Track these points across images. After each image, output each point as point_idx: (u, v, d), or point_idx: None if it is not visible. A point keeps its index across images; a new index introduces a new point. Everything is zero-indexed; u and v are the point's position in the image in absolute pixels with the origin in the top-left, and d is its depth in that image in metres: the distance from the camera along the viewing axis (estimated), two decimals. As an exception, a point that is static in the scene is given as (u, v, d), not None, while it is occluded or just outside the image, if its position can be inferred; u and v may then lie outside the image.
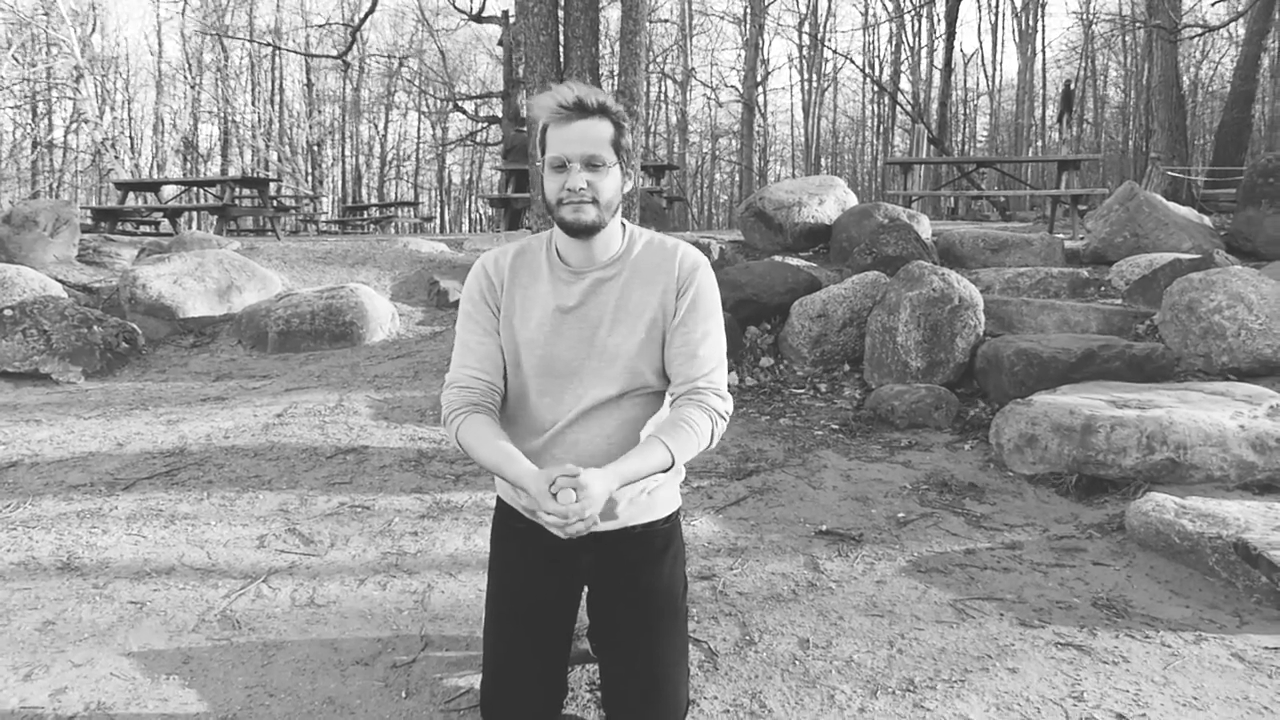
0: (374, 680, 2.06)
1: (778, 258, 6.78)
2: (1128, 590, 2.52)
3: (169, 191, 16.18)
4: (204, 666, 2.11)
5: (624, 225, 1.63)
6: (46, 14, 23.19)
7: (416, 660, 2.14)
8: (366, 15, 17.69)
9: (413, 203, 25.53)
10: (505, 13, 18.21)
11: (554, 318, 1.58)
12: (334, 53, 24.52)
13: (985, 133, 34.62)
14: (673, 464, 1.46)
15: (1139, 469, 3.27)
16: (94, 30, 27.94)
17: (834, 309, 5.09)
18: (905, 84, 31.00)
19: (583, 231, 1.51)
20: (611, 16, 20.67)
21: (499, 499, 1.75)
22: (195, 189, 14.55)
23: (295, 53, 27.87)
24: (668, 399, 1.64)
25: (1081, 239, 7.90)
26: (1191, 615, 2.36)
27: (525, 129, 12.28)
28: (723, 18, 32.84)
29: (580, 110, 1.47)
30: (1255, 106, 13.69)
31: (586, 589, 1.74)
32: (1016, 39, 30.66)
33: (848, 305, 5.09)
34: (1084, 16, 29.84)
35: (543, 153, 1.52)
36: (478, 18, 19.93)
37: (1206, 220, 7.73)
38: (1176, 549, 2.69)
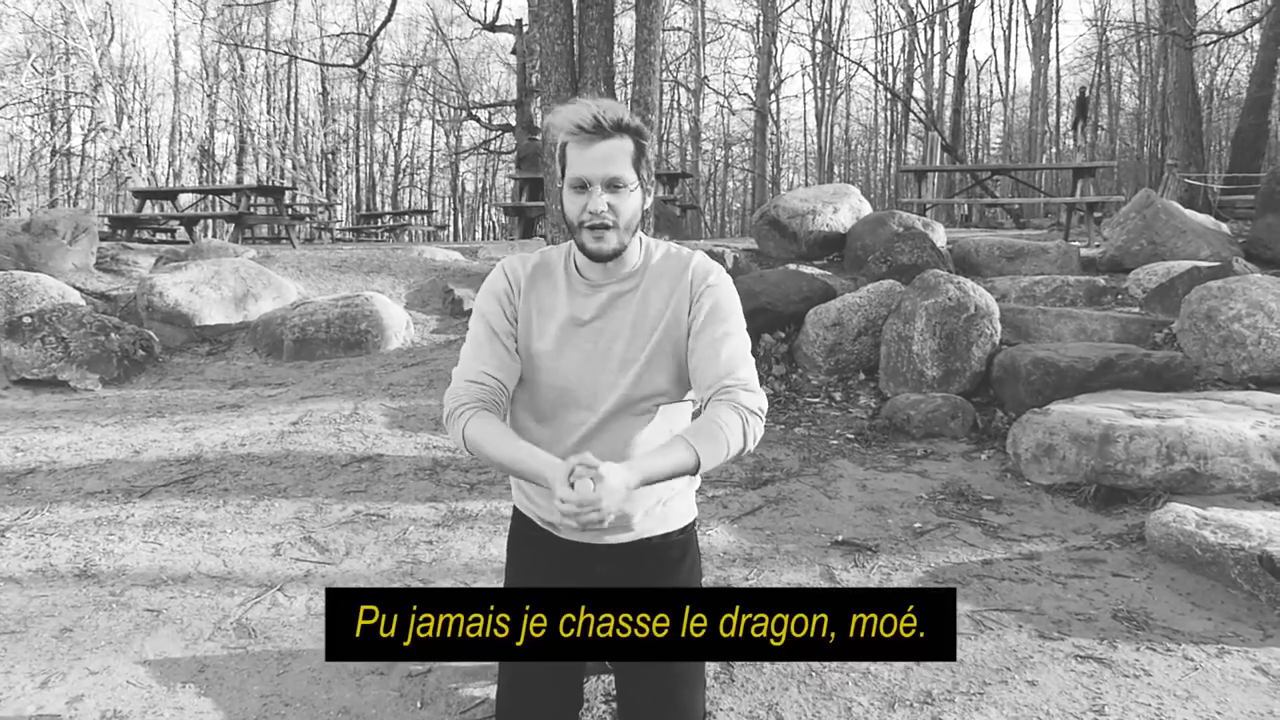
0: (389, 690, 2.06)
1: (792, 266, 6.77)
2: (1148, 602, 2.49)
3: (185, 200, 16.33)
4: (220, 675, 2.12)
5: (640, 240, 1.61)
6: (65, 24, 23.52)
7: (432, 670, 2.14)
8: (383, 25, 17.74)
9: (426, 211, 25.67)
10: (519, 21, 18.32)
11: (570, 331, 1.56)
12: (350, 62, 24.69)
13: (999, 140, 34.50)
14: (698, 464, 1.37)
15: (1158, 479, 3.23)
16: (112, 40, 28.32)
17: (849, 317, 5.07)
18: (918, 91, 30.95)
19: (604, 259, 1.50)
20: (625, 25, 20.75)
21: (515, 508, 1.75)
22: (211, 197, 14.69)
23: (311, 62, 28.07)
24: (689, 411, 1.63)
25: (1098, 247, 7.84)
26: (1214, 628, 2.32)
27: (539, 137, 12.32)
28: (735, 26, 32.93)
29: (600, 131, 1.45)
30: (1272, 113, 13.55)
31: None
32: (1030, 45, 30.57)
33: (863, 314, 5.07)
34: (1098, 23, 29.72)
35: (562, 171, 1.50)
36: (491, 26, 20.05)
37: (1224, 227, 7.64)
38: (1198, 561, 2.65)
